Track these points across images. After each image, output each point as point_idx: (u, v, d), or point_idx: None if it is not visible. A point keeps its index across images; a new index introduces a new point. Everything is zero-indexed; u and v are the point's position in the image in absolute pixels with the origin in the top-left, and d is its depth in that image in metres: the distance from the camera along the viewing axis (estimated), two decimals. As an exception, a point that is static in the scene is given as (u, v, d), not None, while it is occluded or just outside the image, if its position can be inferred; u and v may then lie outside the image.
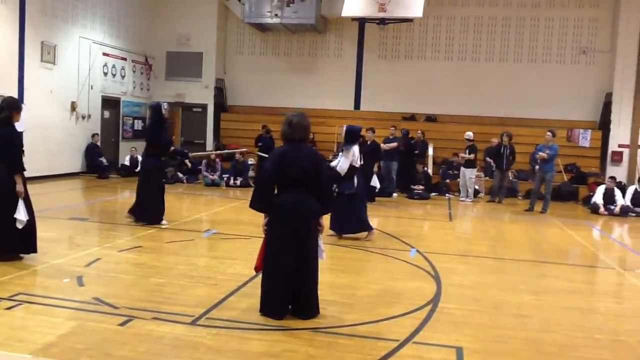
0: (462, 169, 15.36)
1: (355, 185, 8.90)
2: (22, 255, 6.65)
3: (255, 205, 5.18)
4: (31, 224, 6.61)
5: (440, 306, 5.69)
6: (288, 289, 5.05)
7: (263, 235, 5.22)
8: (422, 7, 16.42)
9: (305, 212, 5.06)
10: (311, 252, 5.11)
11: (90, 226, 9.46)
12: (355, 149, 8.91)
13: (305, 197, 5.07)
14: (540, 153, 13.37)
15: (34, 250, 6.71)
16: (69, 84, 16.08)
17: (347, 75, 19.58)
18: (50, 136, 15.21)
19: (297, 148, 5.14)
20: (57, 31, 15.51)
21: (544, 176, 13.48)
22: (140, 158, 16.88)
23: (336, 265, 7.20)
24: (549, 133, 13.60)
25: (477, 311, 5.61)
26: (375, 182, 12.19)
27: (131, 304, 5.27)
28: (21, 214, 6.42)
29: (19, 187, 6.42)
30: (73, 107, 16.26)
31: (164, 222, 9.34)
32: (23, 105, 7.58)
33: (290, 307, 5.12)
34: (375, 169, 13.55)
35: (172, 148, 10.10)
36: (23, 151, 6.62)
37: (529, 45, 18.46)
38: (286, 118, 5.25)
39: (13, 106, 6.60)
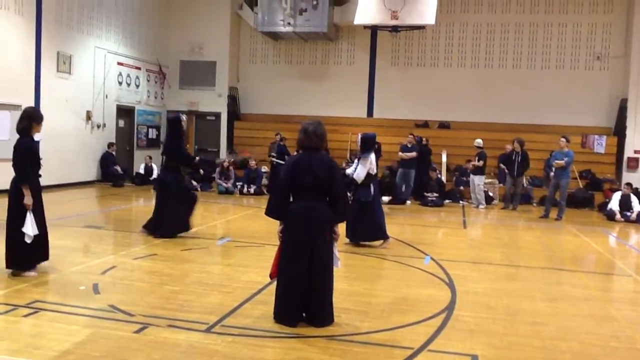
0: (471, 176, 15.35)
1: (372, 192, 8.92)
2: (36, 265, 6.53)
3: (270, 212, 5.23)
4: (43, 236, 6.44)
5: (454, 314, 5.67)
6: (301, 296, 5.05)
7: (278, 243, 5.24)
8: (434, 14, 16.39)
9: (318, 219, 5.06)
10: (324, 259, 5.09)
11: (105, 234, 9.53)
12: (372, 156, 8.94)
13: (318, 205, 5.08)
14: (557, 161, 13.28)
15: (46, 258, 6.57)
16: (84, 93, 16.24)
17: (359, 83, 19.62)
18: (66, 145, 15.35)
19: (311, 156, 5.15)
20: (72, 41, 15.70)
21: (559, 182, 13.38)
22: (155, 167, 17.16)
23: (350, 272, 7.20)
24: (562, 139, 13.51)
25: (491, 319, 5.58)
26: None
27: (146, 312, 5.30)
28: (29, 228, 6.16)
29: (27, 200, 6.18)
30: (88, 116, 16.42)
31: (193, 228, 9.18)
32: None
33: (304, 314, 5.13)
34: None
35: (197, 158, 9.92)
36: (40, 163, 6.45)
37: (542, 51, 18.40)
38: (302, 126, 5.27)
39: (32, 117, 6.41)
